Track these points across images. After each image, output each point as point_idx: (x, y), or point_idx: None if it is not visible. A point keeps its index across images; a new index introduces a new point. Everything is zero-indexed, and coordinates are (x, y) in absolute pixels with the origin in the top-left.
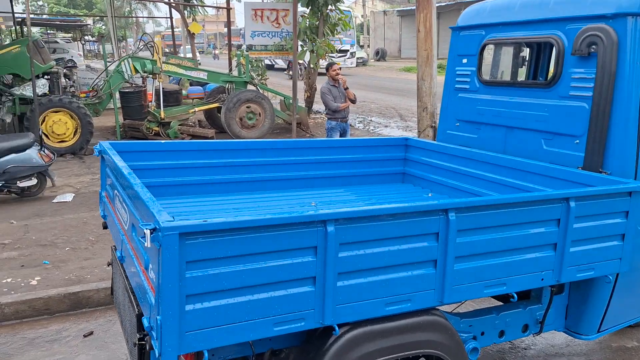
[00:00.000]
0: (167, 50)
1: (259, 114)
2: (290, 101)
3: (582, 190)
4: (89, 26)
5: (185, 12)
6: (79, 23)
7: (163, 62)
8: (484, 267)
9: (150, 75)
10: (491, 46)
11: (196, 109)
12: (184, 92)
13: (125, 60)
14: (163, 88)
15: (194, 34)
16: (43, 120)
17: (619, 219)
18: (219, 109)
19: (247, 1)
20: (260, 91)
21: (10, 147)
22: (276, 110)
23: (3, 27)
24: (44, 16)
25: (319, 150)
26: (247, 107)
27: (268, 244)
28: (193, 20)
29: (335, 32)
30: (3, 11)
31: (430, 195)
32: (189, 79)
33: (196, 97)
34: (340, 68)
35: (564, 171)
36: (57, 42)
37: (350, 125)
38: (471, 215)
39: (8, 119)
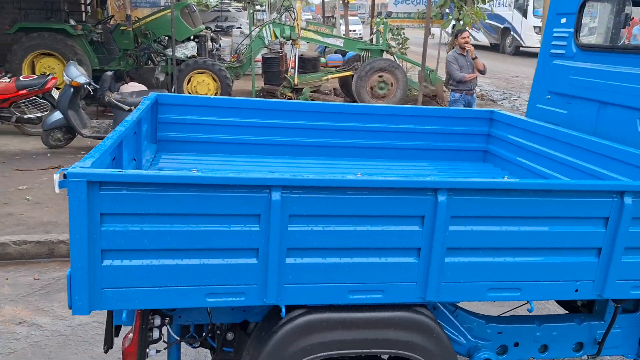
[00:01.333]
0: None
1: (391, 83)
2: (429, 72)
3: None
4: None
5: None
6: None
7: (302, 29)
8: (487, 264)
9: (289, 41)
10: (593, 3)
11: (329, 76)
12: (323, 59)
13: (267, 26)
14: (302, 55)
15: (348, 2)
16: (189, 81)
17: None
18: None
19: None
20: (397, 61)
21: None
22: (412, 82)
23: None
24: None
25: (386, 117)
26: (380, 76)
27: (200, 205)
28: None
29: None
30: None
31: (505, 179)
32: (327, 46)
33: (334, 64)
34: (469, 36)
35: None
36: (230, 11)
37: (494, 101)
38: (470, 200)
39: (161, 78)
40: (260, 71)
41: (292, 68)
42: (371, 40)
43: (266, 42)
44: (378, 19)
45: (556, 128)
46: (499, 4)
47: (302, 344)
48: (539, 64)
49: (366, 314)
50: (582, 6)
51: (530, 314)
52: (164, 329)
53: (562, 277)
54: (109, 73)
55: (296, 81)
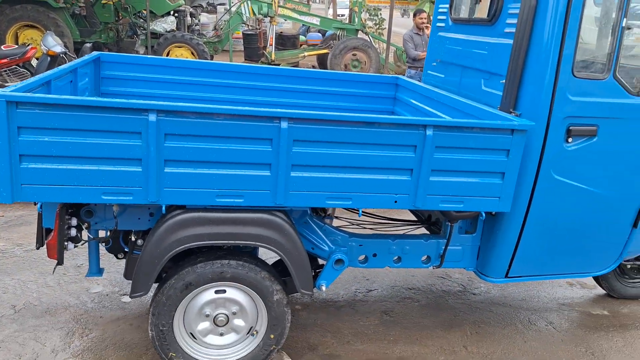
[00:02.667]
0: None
1: (364, 62)
2: (401, 52)
3: (440, 120)
4: None
5: None
6: None
7: (279, 6)
8: (324, 178)
9: (267, 18)
10: None
11: (306, 53)
12: (303, 37)
13: (245, 3)
14: (282, 32)
15: None
16: (168, 54)
17: (497, 157)
18: None
19: None
20: (371, 40)
21: None
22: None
23: None
24: None
25: (305, 80)
26: (353, 54)
27: (91, 123)
28: None
29: None
30: None
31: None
32: (303, 24)
33: (313, 43)
34: (428, 17)
35: (474, 108)
36: None
37: None
38: (306, 128)
39: (141, 51)
40: (241, 47)
41: (270, 45)
42: (348, 19)
43: (244, 19)
44: None
45: (434, 90)
46: None
47: (179, 235)
48: (431, 36)
49: (231, 214)
50: None
51: (387, 233)
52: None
53: (384, 190)
54: (88, 45)
55: (273, 57)
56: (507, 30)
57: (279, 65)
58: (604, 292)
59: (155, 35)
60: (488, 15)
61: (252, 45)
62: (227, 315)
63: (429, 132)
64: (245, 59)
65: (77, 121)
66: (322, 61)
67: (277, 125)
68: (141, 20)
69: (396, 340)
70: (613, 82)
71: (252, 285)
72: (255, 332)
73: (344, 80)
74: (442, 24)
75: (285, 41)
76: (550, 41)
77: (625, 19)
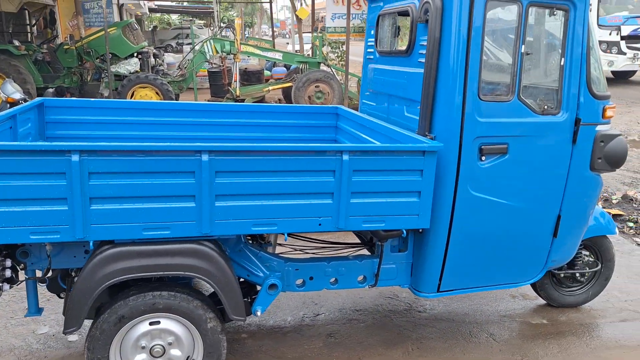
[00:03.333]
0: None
1: (328, 93)
2: None
3: (354, 146)
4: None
5: None
6: (204, 10)
7: (241, 44)
8: (248, 206)
9: (230, 55)
10: (383, 17)
11: (270, 87)
12: (268, 72)
13: (208, 42)
14: (246, 68)
15: (301, 19)
16: (132, 95)
17: (413, 177)
18: None
19: None
20: (333, 72)
21: None
22: (351, 92)
23: (138, 13)
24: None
25: (249, 114)
26: (316, 86)
27: (18, 166)
28: (301, 5)
29: None
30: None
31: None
32: (267, 60)
33: (278, 77)
34: None
35: (397, 133)
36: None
37: None
38: (227, 160)
39: (106, 93)
40: (208, 85)
41: (235, 81)
42: (310, 53)
43: (207, 57)
44: (315, 34)
45: (366, 118)
46: None
47: (108, 270)
48: (363, 67)
49: (158, 246)
50: (378, 21)
51: (324, 256)
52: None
53: (307, 214)
54: (50, 90)
55: (238, 93)
56: (420, 60)
57: (244, 100)
58: (544, 302)
59: (119, 77)
60: (405, 47)
61: (218, 83)
62: (163, 347)
63: (345, 157)
64: (211, 96)
65: (1, 165)
66: (287, 94)
67: (199, 158)
68: (105, 63)
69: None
70: (518, 103)
71: (185, 314)
72: None
73: (289, 112)
74: (371, 56)
75: (250, 76)
76: (455, 69)
77: (523, 46)
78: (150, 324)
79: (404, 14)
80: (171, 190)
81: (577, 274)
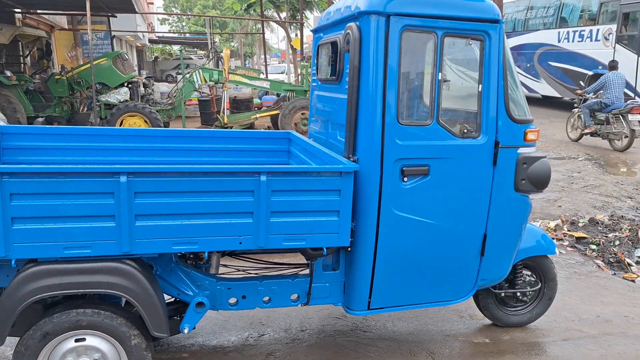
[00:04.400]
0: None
1: None
2: None
3: (274, 167)
4: (216, 44)
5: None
6: (204, 41)
7: (229, 73)
8: (168, 226)
9: (218, 84)
10: (321, 47)
11: (257, 115)
12: (258, 100)
13: (197, 71)
14: (235, 97)
15: (296, 49)
16: (121, 123)
17: (331, 197)
18: None
19: (317, 15)
20: None
21: None
22: None
23: (138, 44)
24: (174, 35)
25: (207, 139)
26: (302, 113)
27: None
28: (296, 36)
29: None
30: (128, 30)
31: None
32: (259, 89)
33: (267, 104)
34: None
35: (328, 156)
36: (192, 59)
37: None
38: (145, 181)
39: (95, 122)
40: (198, 113)
41: (226, 109)
42: (296, 81)
43: (196, 86)
44: (302, 63)
45: (308, 142)
46: (579, 35)
47: (30, 287)
48: (310, 95)
49: (80, 265)
50: (318, 50)
51: (256, 275)
52: None
53: (228, 233)
54: (39, 119)
55: (226, 120)
56: (347, 87)
57: (231, 127)
58: (491, 322)
59: (109, 106)
60: (335, 75)
61: (207, 111)
62: None
63: (263, 178)
64: (201, 124)
65: None
66: (275, 122)
67: (117, 179)
68: (96, 92)
69: None
70: (437, 127)
71: (108, 331)
72: None
73: (244, 138)
74: (315, 84)
75: (240, 105)
76: (374, 95)
77: (440, 73)
78: (76, 340)
79: (335, 44)
80: (91, 210)
81: (519, 294)
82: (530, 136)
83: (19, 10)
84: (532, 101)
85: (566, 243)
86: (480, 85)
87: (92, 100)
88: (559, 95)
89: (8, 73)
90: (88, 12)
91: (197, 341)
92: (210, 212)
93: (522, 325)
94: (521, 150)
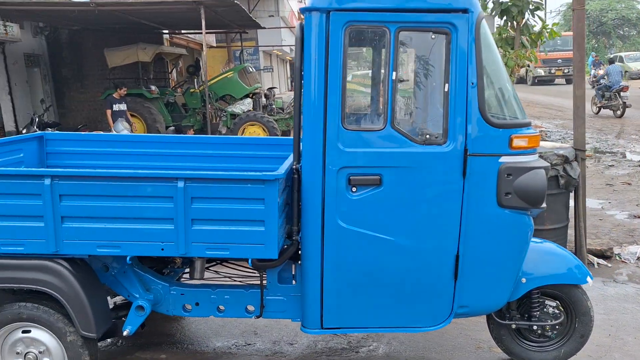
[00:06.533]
0: None
1: None
2: None
3: (193, 173)
4: None
5: None
6: None
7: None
8: (93, 228)
9: None
10: None
11: None
12: None
13: None
14: None
15: None
16: (243, 131)
17: (255, 205)
18: None
19: None
20: None
21: None
22: None
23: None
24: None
25: (207, 145)
26: None
27: None
28: None
29: (541, 41)
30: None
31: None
32: None
33: None
34: None
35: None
36: None
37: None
38: (69, 184)
39: (223, 131)
40: None
41: None
42: None
43: None
44: None
45: None
46: None
47: None
48: None
49: (13, 261)
50: None
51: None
52: None
53: (150, 239)
54: (171, 128)
55: None
56: None
57: None
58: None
59: (234, 116)
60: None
61: None
62: (35, 355)
63: (180, 184)
64: None
65: None
66: None
67: (42, 182)
68: (225, 103)
69: None
70: (391, 132)
71: (47, 326)
72: None
73: (242, 144)
74: None
75: None
76: (314, 98)
77: (394, 72)
78: (23, 332)
79: None
80: (22, 210)
81: (535, 327)
82: (517, 142)
83: (166, 31)
84: None
85: None
86: (447, 85)
87: (220, 110)
88: None
89: (153, 87)
90: (203, 30)
91: (182, 343)
92: (131, 217)
93: None
94: (505, 159)
